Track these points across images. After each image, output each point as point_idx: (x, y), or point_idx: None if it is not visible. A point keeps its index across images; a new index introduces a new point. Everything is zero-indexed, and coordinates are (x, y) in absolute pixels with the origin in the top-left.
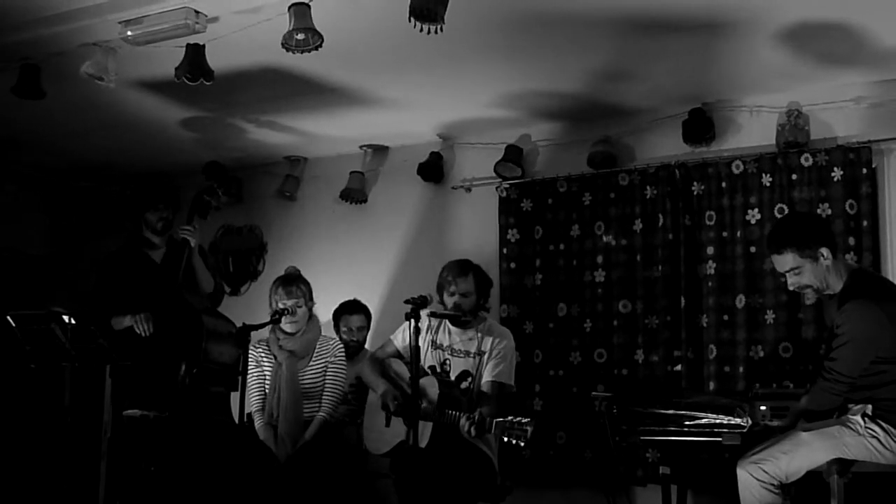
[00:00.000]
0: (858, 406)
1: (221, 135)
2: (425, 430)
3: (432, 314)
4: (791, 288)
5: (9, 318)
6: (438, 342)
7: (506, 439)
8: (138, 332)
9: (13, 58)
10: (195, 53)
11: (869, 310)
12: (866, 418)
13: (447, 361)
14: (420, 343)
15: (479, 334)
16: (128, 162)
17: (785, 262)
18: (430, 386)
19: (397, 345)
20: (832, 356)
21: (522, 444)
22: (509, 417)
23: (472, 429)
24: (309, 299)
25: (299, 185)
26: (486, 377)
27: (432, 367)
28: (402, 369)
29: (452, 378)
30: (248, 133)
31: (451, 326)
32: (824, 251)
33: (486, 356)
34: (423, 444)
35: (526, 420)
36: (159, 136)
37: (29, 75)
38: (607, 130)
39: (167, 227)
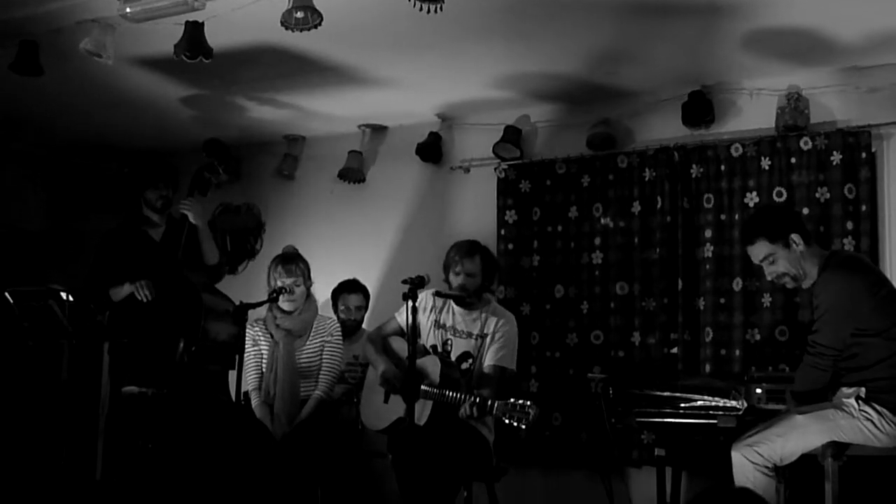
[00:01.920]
0: (852, 389)
1: (220, 113)
2: (425, 408)
3: (437, 293)
4: (770, 278)
5: (6, 294)
6: (442, 322)
7: (507, 421)
8: (139, 297)
9: (11, 34)
10: (194, 31)
11: (843, 278)
12: (860, 401)
13: (449, 341)
14: (423, 322)
15: (483, 316)
16: (126, 139)
17: (758, 251)
18: (433, 365)
19: (401, 322)
20: (813, 329)
21: (524, 426)
22: (511, 399)
23: (473, 410)
24: (307, 278)
25: (297, 164)
26: (489, 360)
27: (434, 347)
28: (403, 347)
29: (453, 358)
30: (247, 111)
31: (455, 307)
32: (795, 237)
33: (488, 339)
34: (421, 422)
35: (529, 403)
36: (158, 113)
37: (27, 52)
38: (606, 112)
39: (167, 205)
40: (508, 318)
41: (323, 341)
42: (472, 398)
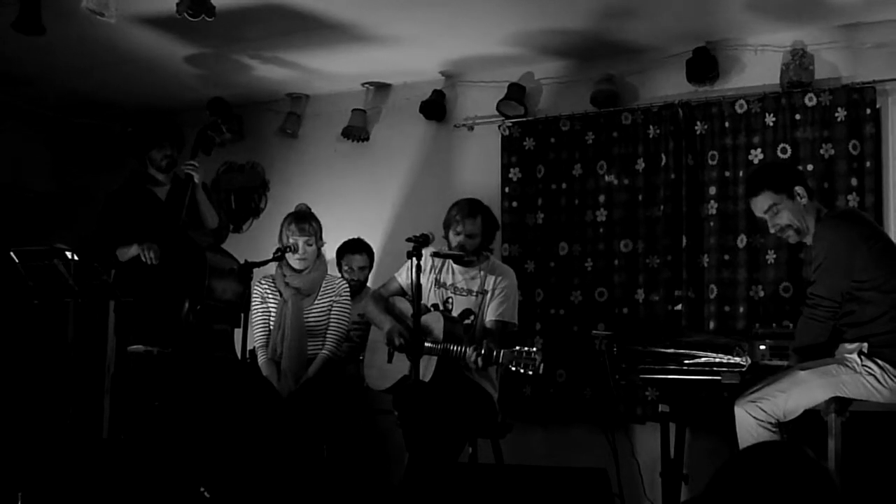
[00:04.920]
0: (854, 344)
1: (223, 72)
2: (430, 365)
3: (435, 254)
4: (773, 231)
5: (12, 254)
6: (442, 280)
7: (514, 369)
8: (144, 259)
9: None
10: None
11: (838, 228)
12: (862, 356)
13: (450, 300)
14: (423, 281)
15: (482, 273)
16: (130, 98)
17: (762, 202)
18: (436, 321)
19: (401, 282)
20: (811, 280)
21: (531, 373)
22: (517, 347)
23: (479, 360)
24: (319, 238)
25: (301, 123)
26: (490, 316)
27: (435, 305)
28: (405, 307)
29: (455, 316)
30: (250, 69)
31: (454, 265)
32: (799, 189)
33: (488, 295)
34: (426, 378)
35: (535, 350)
36: (161, 72)
37: (29, 10)
38: (611, 69)
39: (172, 164)
40: (507, 273)
41: (331, 301)
42: (478, 348)
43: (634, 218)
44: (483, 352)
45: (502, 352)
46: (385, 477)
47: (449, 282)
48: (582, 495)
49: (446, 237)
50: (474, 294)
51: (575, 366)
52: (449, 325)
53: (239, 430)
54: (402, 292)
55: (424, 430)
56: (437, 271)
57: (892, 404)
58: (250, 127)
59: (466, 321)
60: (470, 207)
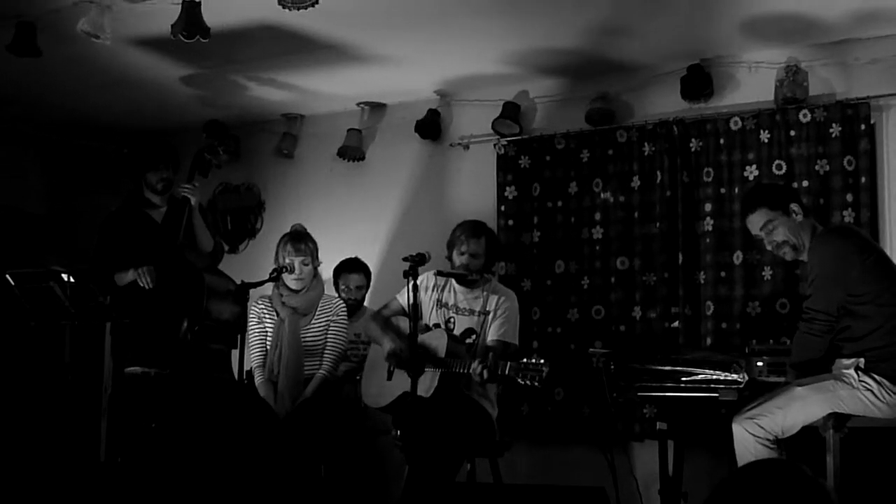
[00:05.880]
0: (851, 360)
1: (219, 92)
2: (433, 381)
3: (439, 273)
4: (769, 248)
5: (8, 276)
6: (444, 301)
7: (521, 381)
8: (141, 284)
9: (8, 15)
10: (191, 10)
11: (832, 243)
12: (859, 371)
13: (451, 319)
14: (426, 301)
15: (485, 293)
16: (126, 120)
17: (758, 219)
18: (439, 339)
19: (402, 302)
20: (807, 294)
21: (537, 384)
22: (523, 359)
23: (485, 372)
24: (315, 258)
25: (297, 143)
26: (492, 336)
27: (437, 325)
28: (406, 325)
29: (457, 335)
30: (246, 90)
31: (456, 285)
32: (795, 206)
33: (490, 315)
34: (428, 394)
35: (542, 361)
36: (157, 93)
37: (25, 33)
38: (605, 87)
39: (167, 187)
40: (510, 296)
41: (328, 320)
42: (484, 361)
43: (630, 235)
44: (489, 364)
45: (509, 364)
46: (383, 497)
47: (451, 302)
48: None
49: (450, 258)
50: (476, 314)
51: (572, 384)
52: (452, 343)
53: (236, 452)
54: (403, 312)
55: (423, 447)
56: (439, 290)
57: (889, 419)
58: (246, 147)
59: (468, 340)
60: (475, 228)
